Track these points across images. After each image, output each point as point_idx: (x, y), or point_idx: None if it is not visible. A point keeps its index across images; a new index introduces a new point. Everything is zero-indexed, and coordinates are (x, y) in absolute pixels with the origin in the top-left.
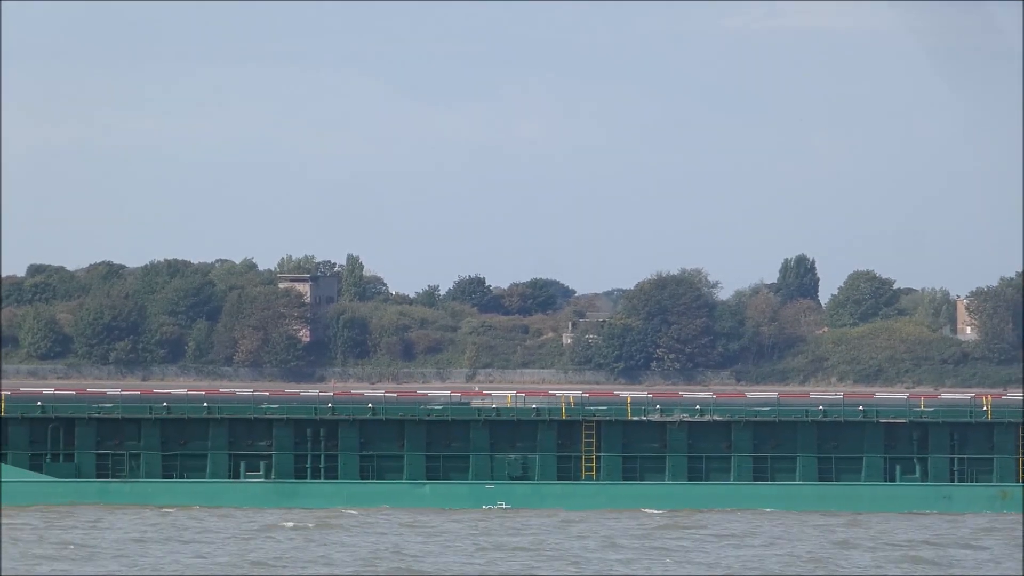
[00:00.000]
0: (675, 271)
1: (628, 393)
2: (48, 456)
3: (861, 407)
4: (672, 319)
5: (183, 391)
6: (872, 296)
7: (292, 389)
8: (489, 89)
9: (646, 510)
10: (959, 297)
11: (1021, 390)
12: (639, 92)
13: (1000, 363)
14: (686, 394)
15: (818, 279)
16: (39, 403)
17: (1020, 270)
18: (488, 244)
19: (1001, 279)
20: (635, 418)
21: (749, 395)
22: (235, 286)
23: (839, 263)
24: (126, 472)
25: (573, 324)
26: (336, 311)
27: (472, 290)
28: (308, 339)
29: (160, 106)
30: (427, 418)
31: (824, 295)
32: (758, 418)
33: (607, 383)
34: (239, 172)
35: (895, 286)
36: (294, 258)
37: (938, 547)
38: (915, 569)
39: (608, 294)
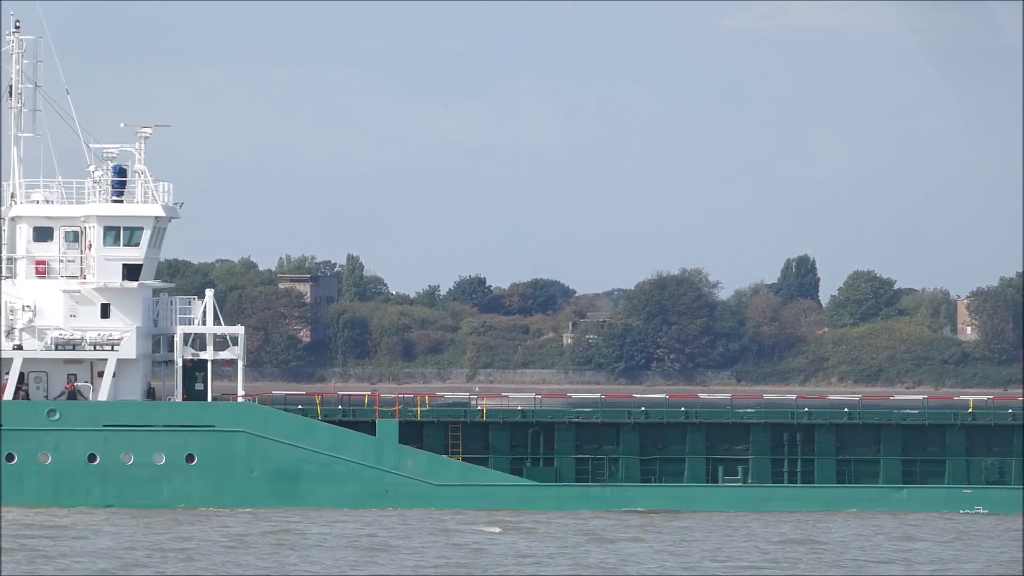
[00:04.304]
0: (675, 271)
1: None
2: (528, 460)
3: None
4: (672, 319)
5: (663, 396)
6: (872, 296)
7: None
8: (489, 88)
9: None
10: (959, 297)
11: (1022, 390)
12: (639, 91)
13: (1000, 363)
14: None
15: (818, 279)
16: (519, 408)
17: (1020, 270)
18: (488, 244)
19: (1001, 279)
20: None
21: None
22: (235, 286)
23: (839, 263)
24: (605, 477)
25: (573, 324)
26: (336, 311)
27: (472, 290)
28: (308, 339)
29: (160, 106)
30: (903, 422)
31: (824, 295)
32: None
33: (607, 383)
34: (238, 172)
35: (895, 286)
36: (294, 258)
37: None
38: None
39: (608, 294)
